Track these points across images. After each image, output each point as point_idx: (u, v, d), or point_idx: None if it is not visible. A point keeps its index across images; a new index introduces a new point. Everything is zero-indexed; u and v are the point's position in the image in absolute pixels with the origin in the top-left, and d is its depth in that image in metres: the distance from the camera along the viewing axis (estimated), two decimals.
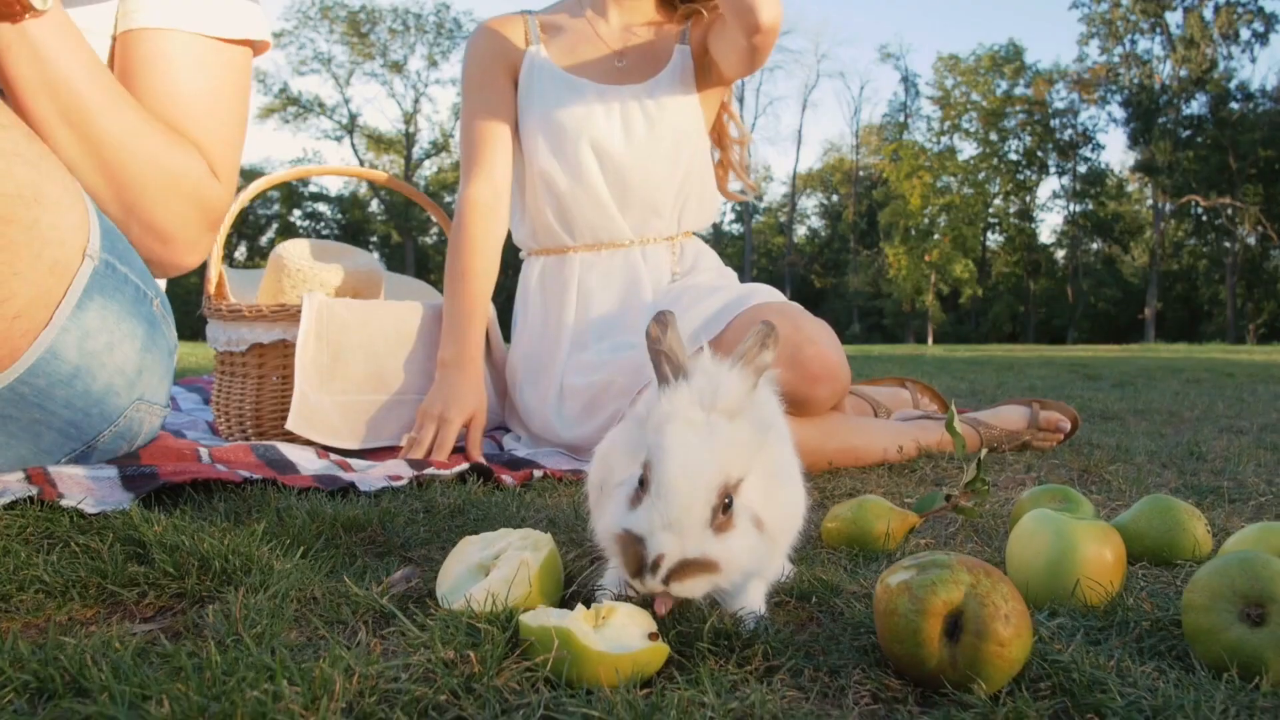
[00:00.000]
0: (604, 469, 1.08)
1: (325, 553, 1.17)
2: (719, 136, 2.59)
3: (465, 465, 1.81)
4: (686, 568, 0.85)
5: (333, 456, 1.97)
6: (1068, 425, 2.42)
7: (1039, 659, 0.85)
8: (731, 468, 0.88)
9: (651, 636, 0.84)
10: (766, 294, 2.16)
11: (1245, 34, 36.36)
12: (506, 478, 1.79)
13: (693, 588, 0.86)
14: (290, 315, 2.15)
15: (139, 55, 1.67)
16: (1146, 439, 2.62)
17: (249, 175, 23.02)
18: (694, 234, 2.49)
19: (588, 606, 0.87)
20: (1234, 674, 0.86)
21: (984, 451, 1.40)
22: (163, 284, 2.04)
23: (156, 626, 0.92)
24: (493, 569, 0.97)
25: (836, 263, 45.03)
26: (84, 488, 1.40)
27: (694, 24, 2.42)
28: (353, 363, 2.17)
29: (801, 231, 46.93)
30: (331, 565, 1.12)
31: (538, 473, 1.87)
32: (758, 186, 2.66)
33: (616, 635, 0.83)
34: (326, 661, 0.72)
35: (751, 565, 0.91)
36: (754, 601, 0.97)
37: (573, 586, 1.04)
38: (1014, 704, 0.75)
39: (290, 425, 2.05)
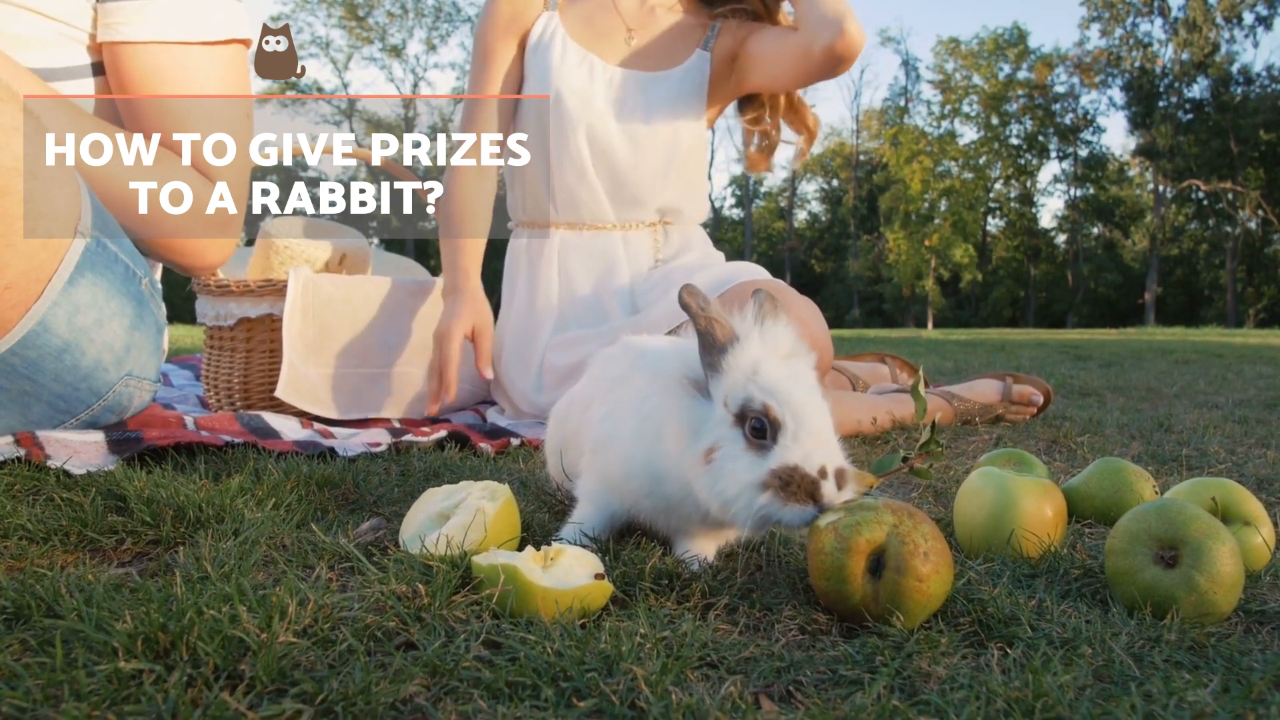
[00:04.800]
0: (560, 430, 1.15)
1: (298, 506, 1.22)
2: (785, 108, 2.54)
3: (443, 433, 1.86)
4: (844, 474, 0.93)
5: (316, 426, 2.03)
6: (1040, 399, 2.47)
7: (962, 598, 0.90)
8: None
9: (597, 577, 0.89)
10: (752, 271, 2.20)
11: (1249, 17, 36.17)
12: (484, 445, 1.84)
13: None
14: (277, 290, 2.19)
15: (130, 71, 1.72)
16: (1120, 413, 2.67)
17: None
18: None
19: (538, 550, 0.92)
20: (1146, 612, 0.91)
21: (939, 415, 1.45)
22: (158, 269, 2.09)
23: (132, 569, 0.97)
24: (452, 516, 1.02)
25: (837, 247, 44.93)
26: (70, 450, 1.45)
27: (724, 29, 2.42)
28: (338, 336, 2.22)
29: (802, 216, 46.84)
30: (303, 517, 1.17)
31: (515, 441, 1.92)
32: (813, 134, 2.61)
33: (562, 574, 0.88)
34: (283, 590, 0.77)
35: None
36: (702, 547, 1.02)
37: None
38: (928, 633, 0.81)
39: (279, 393, 2.10)
